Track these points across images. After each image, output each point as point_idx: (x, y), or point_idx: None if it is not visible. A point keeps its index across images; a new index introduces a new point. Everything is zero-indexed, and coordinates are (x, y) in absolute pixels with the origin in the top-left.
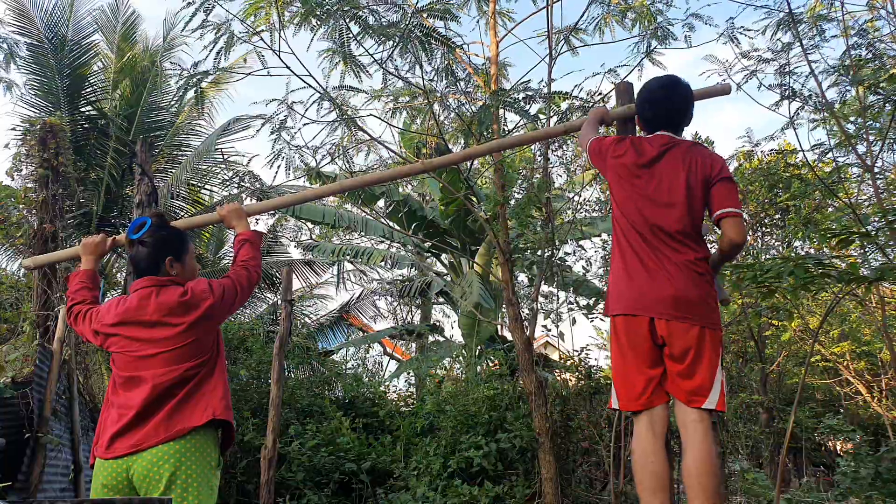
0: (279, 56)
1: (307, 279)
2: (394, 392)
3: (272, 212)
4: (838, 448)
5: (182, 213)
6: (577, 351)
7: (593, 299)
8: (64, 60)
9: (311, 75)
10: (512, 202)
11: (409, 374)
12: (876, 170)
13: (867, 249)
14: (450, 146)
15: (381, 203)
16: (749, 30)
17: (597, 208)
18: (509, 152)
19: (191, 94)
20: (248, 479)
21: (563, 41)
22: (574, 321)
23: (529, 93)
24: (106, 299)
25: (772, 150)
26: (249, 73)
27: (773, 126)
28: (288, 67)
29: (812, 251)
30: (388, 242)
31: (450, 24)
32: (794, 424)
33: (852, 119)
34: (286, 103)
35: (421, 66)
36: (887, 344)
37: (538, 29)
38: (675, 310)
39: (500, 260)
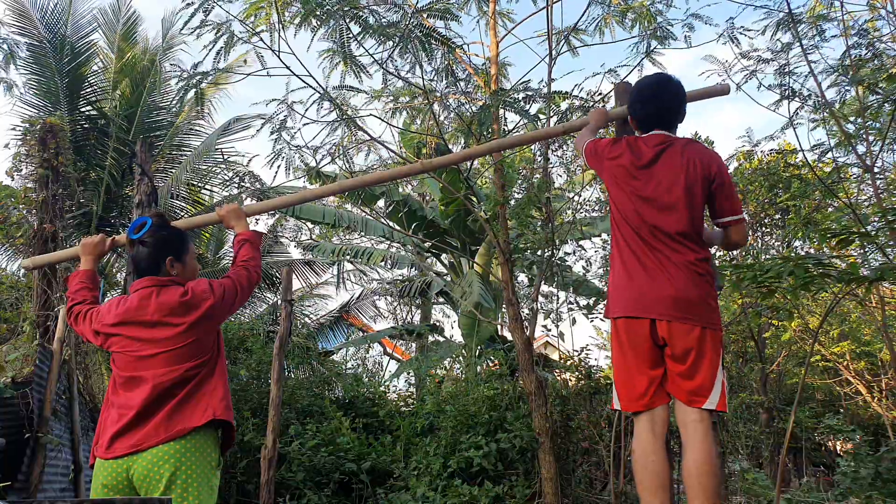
0: (279, 56)
1: (307, 279)
2: (394, 392)
3: (272, 212)
4: (838, 448)
5: (182, 213)
6: (577, 351)
7: (593, 299)
8: (64, 60)
9: (311, 75)
10: (512, 202)
11: (409, 374)
12: (876, 170)
13: (867, 249)
14: (450, 146)
15: (381, 203)
16: (749, 30)
17: (597, 208)
18: (509, 152)
19: (191, 94)
20: (248, 479)
21: (563, 41)
22: (574, 321)
23: (529, 93)
24: (106, 299)
25: (772, 150)
26: (249, 74)
27: (772, 126)
28: (288, 68)
29: (812, 251)
30: (388, 242)
31: (450, 24)
32: (794, 424)
33: (852, 119)
34: (286, 103)
35: (421, 67)
36: (887, 344)
37: (538, 29)
38: (676, 310)
39: (500, 260)
